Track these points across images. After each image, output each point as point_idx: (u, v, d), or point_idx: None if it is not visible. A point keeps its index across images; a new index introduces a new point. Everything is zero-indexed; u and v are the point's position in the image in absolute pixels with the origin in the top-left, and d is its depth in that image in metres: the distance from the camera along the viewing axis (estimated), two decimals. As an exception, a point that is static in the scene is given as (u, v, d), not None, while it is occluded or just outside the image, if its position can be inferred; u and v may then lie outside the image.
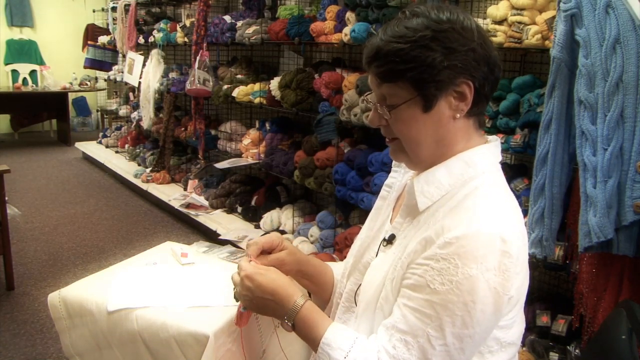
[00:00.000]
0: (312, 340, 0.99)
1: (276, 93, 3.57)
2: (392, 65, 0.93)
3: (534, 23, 2.16)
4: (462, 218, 0.90)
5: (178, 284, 1.49)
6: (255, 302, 1.06)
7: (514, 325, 0.97)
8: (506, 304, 0.90)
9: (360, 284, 1.06)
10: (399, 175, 1.16)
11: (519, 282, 0.91)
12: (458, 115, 0.95)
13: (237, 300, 1.12)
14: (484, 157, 0.98)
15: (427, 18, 0.92)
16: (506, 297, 0.89)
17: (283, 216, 3.80)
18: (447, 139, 0.97)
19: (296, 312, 1.00)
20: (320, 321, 1.00)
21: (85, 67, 7.46)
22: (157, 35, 5.36)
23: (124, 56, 6.20)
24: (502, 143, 2.08)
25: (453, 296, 0.86)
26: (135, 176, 5.37)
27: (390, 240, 1.04)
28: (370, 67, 0.97)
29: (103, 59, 7.13)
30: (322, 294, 1.24)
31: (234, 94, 4.04)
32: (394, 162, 1.17)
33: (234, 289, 1.11)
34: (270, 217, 3.81)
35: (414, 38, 0.91)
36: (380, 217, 1.13)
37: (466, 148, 0.98)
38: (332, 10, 3.20)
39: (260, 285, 1.04)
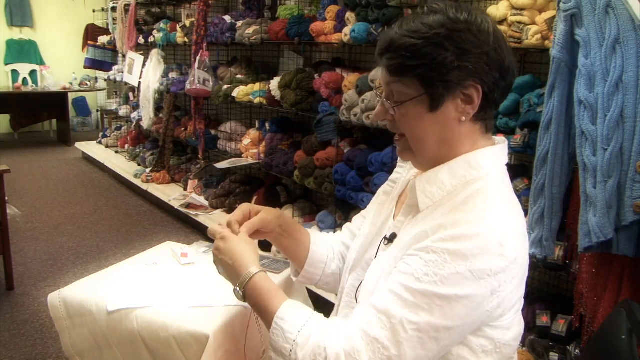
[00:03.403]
0: (264, 313, 1.00)
1: (276, 93, 3.57)
2: (403, 60, 0.92)
3: (534, 23, 2.16)
4: (460, 218, 0.89)
5: (178, 284, 1.49)
6: (220, 263, 1.11)
7: (512, 327, 0.96)
8: (495, 306, 0.89)
9: (362, 282, 1.06)
10: (404, 172, 1.16)
11: (514, 286, 0.90)
12: (464, 118, 0.94)
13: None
14: (488, 159, 0.97)
15: (445, 16, 0.91)
16: (496, 299, 0.88)
17: (283, 216, 3.80)
18: (452, 141, 0.96)
19: (247, 279, 1.03)
20: (272, 294, 1.01)
21: (85, 67, 7.46)
22: (157, 35, 5.37)
23: (124, 56, 6.20)
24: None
25: (434, 287, 0.85)
26: (135, 176, 5.37)
27: (391, 239, 1.04)
28: (382, 59, 0.96)
29: (103, 59, 7.13)
30: (301, 251, 1.25)
31: (234, 94, 4.04)
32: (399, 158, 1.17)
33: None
34: (270, 217, 3.80)
35: (428, 35, 0.90)
36: (383, 213, 1.14)
37: (472, 150, 0.97)
38: (332, 10, 3.20)
39: (228, 249, 1.08)
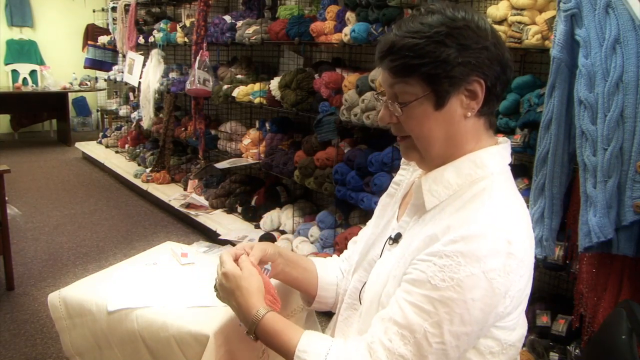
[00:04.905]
0: (282, 350, 0.99)
1: (276, 93, 3.57)
2: (406, 60, 0.92)
3: (534, 23, 2.16)
4: (468, 218, 0.90)
5: (178, 284, 1.48)
6: (225, 301, 1.11)
7: (517, 327, 0.97)
8: (507, 305, 0.90)
9: (365, 282, 1.06)
10: (407, 173, 1.16)
11: (522, 284, 0.91)
12: (469, 113, 0.95)
13: (216, 290, 1.15)
14: (493, 158, 0.98)
15: (443, 15, 0.93)
16: (508, 298, 0.89)
17: (283, 216, 3.80)
18: (458, 138, 0.97)
19: (257, 322, 1.02)
20: (286, 331, 1.00)
21: (85, 67, 7.46)
22: (157, 35, 5.37)
23: (124, 56, 6.20)
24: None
25: (453, 293, 0.86)
26: (135, 176, 5.37)
27: (396, 239, 1.04)
28: (383, 62, 0.96)
29: (103, 59, 7.13)
30: (310, 278, 1.23)
31: (234, 94, 4.04)
32: (402, 160, 1.17)
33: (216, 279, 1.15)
34: (270, 217, 3.81)
35: (428, 33, 0.91)
36: (386, 214, 1.13)
37: (476, 148, 0.98)
38: (332, 10, 3.20)
39: (230, 290, 1.08)
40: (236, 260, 1.12)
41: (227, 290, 1.08)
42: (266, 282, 1.11)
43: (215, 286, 1.15)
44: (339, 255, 1.32)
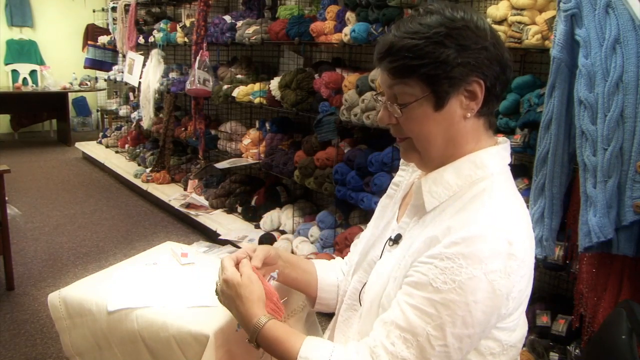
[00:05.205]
0: (284, 358, 0.99)
1: (276, 93, 3.57)
2: (406, 61, 0.92)
3: (534, 23, 2.16)
4: (469, 219, 0.89)
5: (178, 284, 1.48)
6: (226, 306, 1.11)
7: (517, 328, 0.97)
8: (508, 306, 0.90)
9: (365, 283, 1.06)
10: (406, 174, 1.15)
11: (523, 285, 0.91)
12: (469, 114, 0.95)
13: (217, 294, 1.14)
14: (493, 159, 0.97)
15: (442, 15, 0.92)
16: (510, 299, 0.89)
17: (283, 216, 3.80)
18: (457, 139, 0.97)
19: (258, 330, 1.01)
20: (287, 337, 0.99)
21: (85, 67, 7.46)
22: (157, 35, 5.37)
23: (124, 56, 6.20)
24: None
25: (455, 295, 0.85)
26: (135, 176, 5.37)
27: (396, 240, 1.03)
28: (382, 62, 0.96)
29: (103, 59, 7.13)
30: (311, 279, 1.23)
31: (234, 94, 4.04)
32: (401, 161, 1.16)
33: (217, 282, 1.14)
34: (270, 217, 3.81)
35: (428, 34, 0.91)
36: (386, 216, 1.13)
37: (476, 149, 0.97)
38: (332, 10, 3.20)
39: (231, 297, 1.07)
40: (238, 264, 1.11)
41: (228, 296, 1.08)
42: (268, 290, 1.10)
43: (216, 290, 1.14)
44: (340, 256, 1.32)
